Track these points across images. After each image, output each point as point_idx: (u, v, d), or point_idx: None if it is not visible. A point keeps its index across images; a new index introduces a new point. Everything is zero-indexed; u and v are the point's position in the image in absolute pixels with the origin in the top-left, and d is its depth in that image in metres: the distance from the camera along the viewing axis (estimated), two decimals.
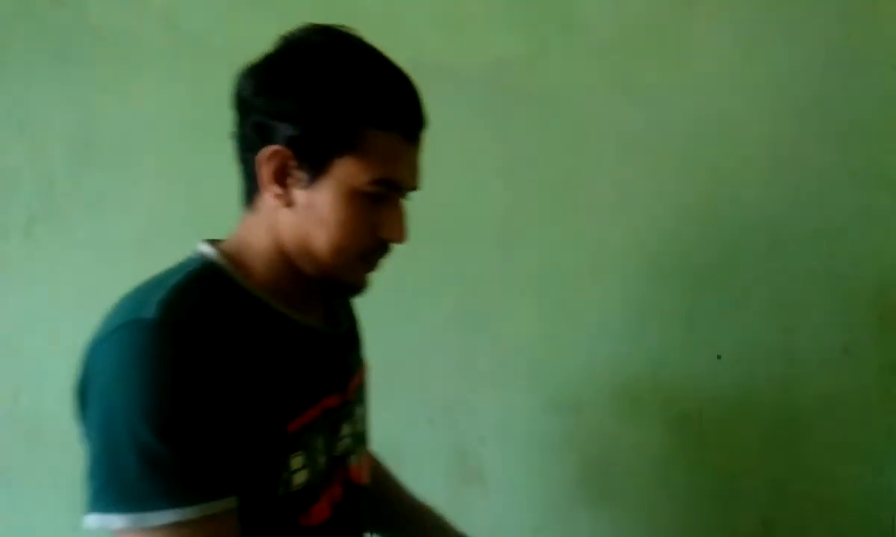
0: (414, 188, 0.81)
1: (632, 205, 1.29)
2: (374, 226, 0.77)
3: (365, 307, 1.35)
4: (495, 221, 1.33)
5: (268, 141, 0.74)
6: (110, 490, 0.65)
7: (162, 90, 1.33)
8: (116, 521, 0.63)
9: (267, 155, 0.73)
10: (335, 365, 0.85)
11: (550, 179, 1.30)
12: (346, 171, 0.74)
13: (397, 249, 1.34)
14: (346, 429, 0.84)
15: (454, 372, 1.32)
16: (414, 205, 1.35)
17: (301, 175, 0.74)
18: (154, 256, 1.32)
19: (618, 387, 1.32)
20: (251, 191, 0.78)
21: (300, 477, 0.74)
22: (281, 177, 0.74)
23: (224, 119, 1.32)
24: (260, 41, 1.33)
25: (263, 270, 0.77)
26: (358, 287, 0.82)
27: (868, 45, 1.31)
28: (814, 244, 1.32)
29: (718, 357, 1.30)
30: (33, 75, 1.33)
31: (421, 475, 1.34)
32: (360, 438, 0.89)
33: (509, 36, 1.32)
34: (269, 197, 0.75)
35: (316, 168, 0.74)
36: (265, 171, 0.74)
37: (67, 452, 1.35)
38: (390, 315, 1.35)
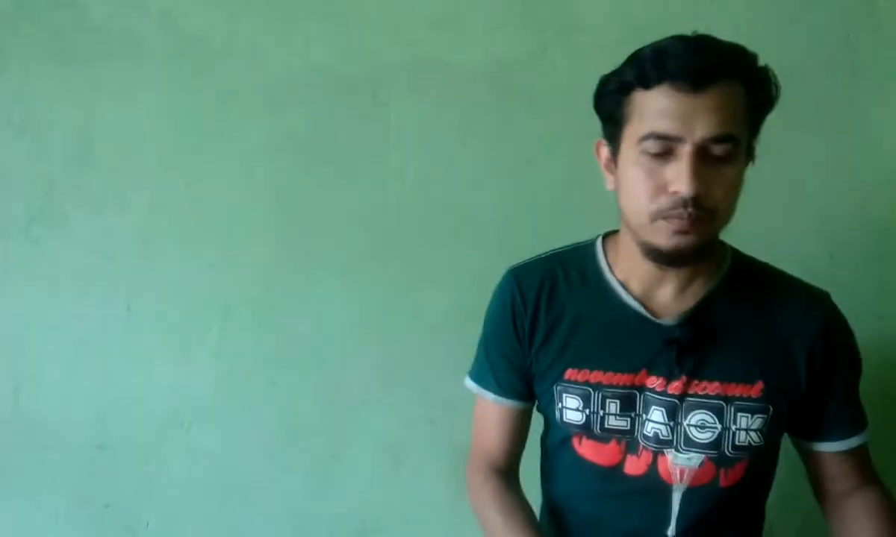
0: (698, 136, 0.78)
1: None
2: (663, 183, 0.80)
3: (367, 306, 1.35)
4: (495, 221, 1.33)
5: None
6: None
7: (162, 90, 1.33)
8: None
9: (595, 148, 0.90)
10: (644, 347, 0.90)
11: (550, 179, 1.30)
12: (628, 139, 0.83)
13: (397, 248, 1.35)
14: (655, 416, 0.90)
15: (454, 372, 1.32)
16: (414, 205, 1.36)
17: (611, 158, 0.87)
18: (154, 256, 1.34)
19: None
20: None
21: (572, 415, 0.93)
22: (608, 164, 0.88)
23: (224, 118, 1.34)
24: (259, 41, 1.34)
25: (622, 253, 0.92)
26: (668, 250, 0.82)
27: (869, 44, 1.31)
28: (814, 243, 1.32)
29: None
30: (33, 75, 1.32)
31: (421, 475, 1.35)
32: (685, 439, 0.91)
33: (509, 36, 1.31)
34: (608, 186, 0.89)
35: (614, 147, 0.85)
36: (600, 163, 0.90)
37: (66, 452, 1.35)
38: (390, 314, 1.35)
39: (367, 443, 1.35)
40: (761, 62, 0.84)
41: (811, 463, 0.96)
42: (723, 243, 0.93)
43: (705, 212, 0.80)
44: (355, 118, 1.33)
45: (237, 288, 1.34)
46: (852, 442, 0.92)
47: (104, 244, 1.33)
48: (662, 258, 0.84)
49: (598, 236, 0.97)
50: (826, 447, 0.93)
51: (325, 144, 1.33)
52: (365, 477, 1.36)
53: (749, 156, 0.86)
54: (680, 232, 0.80)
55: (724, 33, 1.31)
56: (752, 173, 1.30)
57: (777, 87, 0.85)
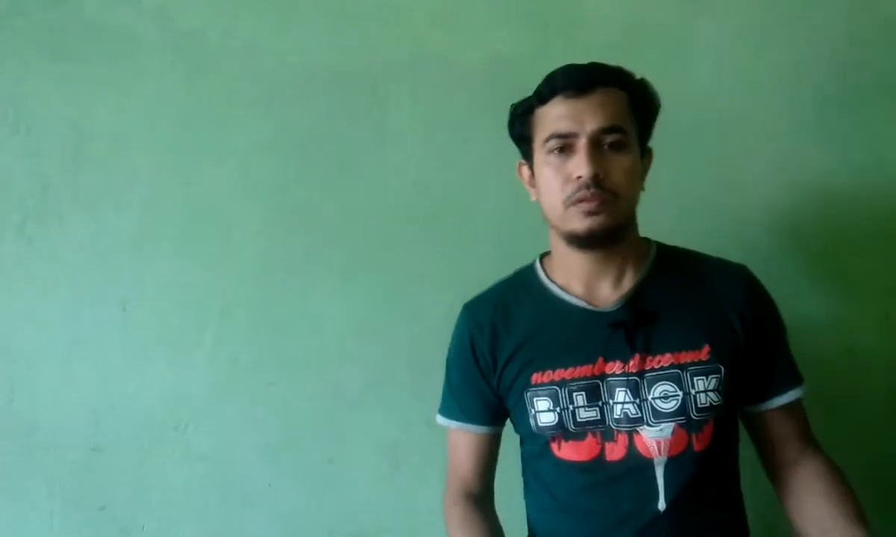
0: (589, 129, 0.95)
1: None
2: (569, 173, 0.95)
3: (365, 306, 1.34)
4: (495, 220, 1.32)
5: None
6: None
7: (157, 88, 1.32)
8: None
9: (518, 171, 1.08)
10: (594, 337, 1.00)
11: None
12: (537, 149, 1.00)
13: (396, 248, 1.33)
14: (620, 397, 0.98)
15: None
16: (413, 204, 1.35)
17: (531, 173, 1.03)
18: (149, 255, 1.33)
19: None
20: None
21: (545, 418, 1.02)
22: (530, 181, 1.04)
23: (220, 116, 1.33)
24: (256, 37, 1.33)
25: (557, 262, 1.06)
26: (583, 232, 0.95)
27: (872, 43, 1.30)
28: (817, 243, 1.31)
29: None
30: (28, 72, 1.31)
31: (419, 477, 1.33)
32: (653, 412, 0.99)
33: (510, 32, 1.31)
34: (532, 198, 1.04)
35: (530, 162, 1.03)
36: (524, 182, 1.06)
37: (61, 455, 1.34)
38: (390, 314, 1.34)
39: (365, 445, 1.34)
40: (643, 77, 1.01)
41: (759, 430, 1.05)
42: (647, 239, 1.07)
43: (608, 193, 0.94)
44: (354, 115, 1.32)
45: (234, 288, 1.33)
46: (792, 395, 1.01)
47: (99, 243, 1.32)
48: (582, 242, 0.97)
49: (535, 258, 1.10)
50: (771, 404, 1.02)
51: (323, 142, 1.32)
52: (363, 480, 1.35)
53: (643, 153, 1.02)
54: (590, 213, 0.94)
55: (725, 32, 1.31)
56: (753, 172, 1.30)
57: (656, 96, 1.01)
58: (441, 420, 1.13)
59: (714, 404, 0.98)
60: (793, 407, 1.02)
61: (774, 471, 1.04)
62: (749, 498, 1.07)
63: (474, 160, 1.32)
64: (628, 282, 1.02)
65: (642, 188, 1.02)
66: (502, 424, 1.11)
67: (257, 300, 1.33)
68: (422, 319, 1.32)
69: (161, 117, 1.32)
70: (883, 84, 1.30)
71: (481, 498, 1.11)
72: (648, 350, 0.99)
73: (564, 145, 0.95)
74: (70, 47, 1.31)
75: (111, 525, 1.34)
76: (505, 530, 1.09)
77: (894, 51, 1.30)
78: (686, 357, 0.98)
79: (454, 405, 1.11)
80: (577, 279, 1.03)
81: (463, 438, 1.11)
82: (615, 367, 0.99)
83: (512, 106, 1.04)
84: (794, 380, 1.03)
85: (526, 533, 1.12)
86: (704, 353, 0.98)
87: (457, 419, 1.10)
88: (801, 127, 1.31)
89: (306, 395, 1.34)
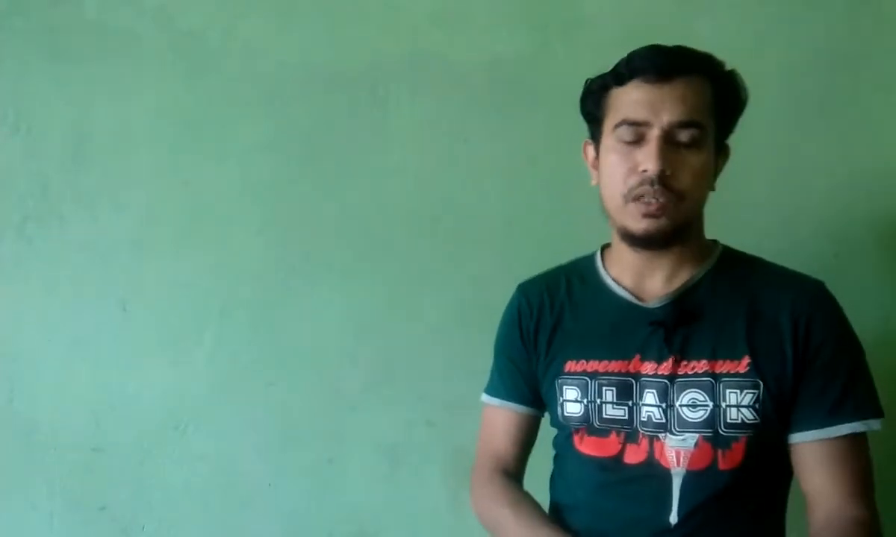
0: (665, 121, 0.88)
1: None
2: (635, 164, 0.89)
3: (365, 306, 1.34)
4: (495, 221, 1.32)
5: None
6: None
7: (157, 88, 1.32)
8: None
9: (583, 149, 1.02)
10: (634, 333, 0.95)
11: (551, 177, 1.29)
12: (606, 131, 0.93)
13: (396, 248, 1.33)
14: (648, 399, 0.93)
15: (453, 373, 1.31)
16: (413, 204, 1.35)
17: (595, 156, 0.97)
18: (149, 256, 1.33)
19: None
20: None
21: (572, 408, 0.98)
22: (594, 163, 0.98)
23: (220, 116, 1.33)
24: (256, 37, 1.33)
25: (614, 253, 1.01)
26: (639, 233, 0.91)
27: (872, 43, 1.30)
28: (817, 244, 1.31)
29: None
30: (28, 73, 1.31)
31: (420, 477, 1.33)
32: (678, 420, 0.92)
33: (511, 32, 1.31)
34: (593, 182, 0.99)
35: (597, 143, 0.96)
36: (587, 162, 1.01)
37: (61, 455, 1.34)
38: (390, 314, 1.33)
39: (365, 445, 1.34)
40: (733, 67, 0.94)
41: (795, 466, 0.92)
42: (714, 241, 1.00)
43: (673, 193, 0.88)
44: (353, 115, 1.32)
45: (234, 288, 1.33)
46: (833, 431, 0.87)
47: (99, 244, 1.32)
48: (636, 241, 0.92)
49: (596, 249, 1.06)
50: (802, 437, 0.89)
51: (322, 142, 1.32)
52: (363, 480, 1.35)
53: (720, 151, 0.95)
54: (649, 215, 0.89)
55: (725, 31, 1.31)
56: (754, 171, 1.30)
57: (745, 90, 0.94)
58: (484, 398, 1.10)
59: (747, 422, 0.89)
60: (834, 443, 0.88)
61: (809, 516, 0.90)
62: None
63: (474, 160, 1.32)
64: (680, 281, 0.96)
65: (712, 188, 0.95)
66: (542, 410, 1.07)
67: (257, 300, 1.33)
68: (422, 319, 1.32)
69: (161, 117, 1.32)
70: (882, 83, 1.30)
71: (516, 479, 1.06)
72: (684, 353, 0.92)
73: (636, 134, 0.89)
74: (70, 47, 1.31)
75: (111, 525, 1.34)
76: None
77: (893, 50, 1.30)
78: (722, 366, 0.90)
79: (498, 383, 1.08)
80: (629, 272, 0.98)
81: (502, 416, 1.07)
82: (649, 368, 0.94)
83: (587, 81, 0.98)
84: (843, 412, 0.88)
85: None
86: (743, 365, 0.90)
87: (499, 396, 1.07)
88: (801, 127, 1.31)
89: (306, 395, 1.34)
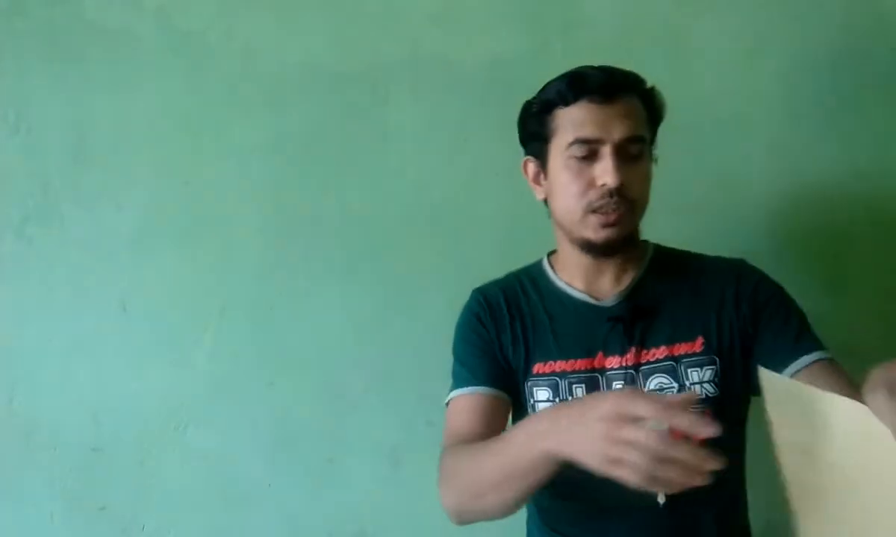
0: (616, 137, 0.95)
1: None
2: (591, 179, 0.96)
3: (365, 306, 1.34)
4: (495, 221, 1.32)
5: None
6: None
7: (157, 88, 1.31)
8: None
9: (523, 167, 1.07)
10: (595, 331, 1.02)
11: None
12: (555, 150, 0.99)
13: (396, 248, 1.33)
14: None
15: None
16: (413, 204, 1.35)
17: (539, 171, 1.04)
18: (150, 255, 1.32)
19: None
20: None
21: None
22: (536, 178, 1.05)
23: (220, 116, 1.33)
24: (256, 37, 1.33)
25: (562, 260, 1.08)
26: (599, 242, 0.98)
27: (872, 43, 1.30)
28: (817, 243, 1.31)
29: None
30: (28, 72, 1.31)
31: (420, 477, 1.33)
32: None
33: (509, 32, 1.31)
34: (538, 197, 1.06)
35: (542, 160, 1.02)
36: (528, 179, 1.07)
37: (61, 454, 1.34)
38: (390, 314, 1.33)
39: (365, 445, 1.34)
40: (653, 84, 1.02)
41: None
42: (645, 240, 1.09)
43: (627, 202, 0.96)
44: (354, 115, 1.32)
45: (234, 287, 1.33)
46: (805, 360, 0.94)
47: (99, 243, 1.32)
48: (596, 250, 1.00)
49: (542, 256, 1.12)
50: (790, 370, 0.94)
51: (322, 142, 1.32)
52: (364, 480, 1.34)
53: (650, 158, 1.03)
54: (608, 225, 0.96)
55: (725, 31, 1.31)
56: (753, 172, 1.30)
57: (664, 104, 1.02)
58: (449, 397, 1.06)
59: (710, 396, 0.97)
60: (819, 371, 0.94)
61: None
62: (752, 501, 1.07)
63: (474, 160, 1.32)
64: (627, 279, 1.05)
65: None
66: (509, 394, 1.04)
67: (258, 300, 1.33)
68: (422, 319, 1.32)
69: (161, 117, 1.32)
70: (882, 83, 1.30)
71: None
72: (644, 343, 1.00)
73: (588, 150, 0.95)
74: (70, 47, 1.31)
75: (111, 525, 1.34)
76: (506, 516, 0.98)
77: (892, 49, 1.30)
78: (680, 348, 0.99)
79: (459, 375, 1.06)
80: (579, 276, 1.06)
81: (466, 402, 1.03)
82: (614, 362, 1.00)
83: (526, 102, 1.04)
84: (816, 347, 0.96)
85: (526, 517, 1.12)
86: (698, 345, 0.99)
87: (461, 386, 1.04)
88: (801, 126, 1.31)
89: (306, 395, 1.33)
